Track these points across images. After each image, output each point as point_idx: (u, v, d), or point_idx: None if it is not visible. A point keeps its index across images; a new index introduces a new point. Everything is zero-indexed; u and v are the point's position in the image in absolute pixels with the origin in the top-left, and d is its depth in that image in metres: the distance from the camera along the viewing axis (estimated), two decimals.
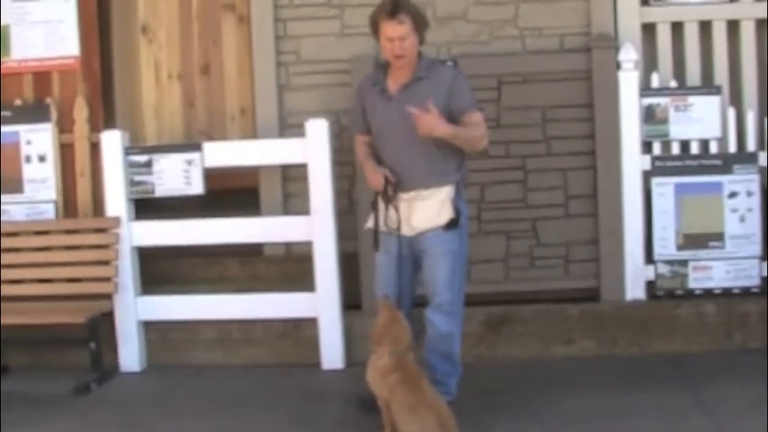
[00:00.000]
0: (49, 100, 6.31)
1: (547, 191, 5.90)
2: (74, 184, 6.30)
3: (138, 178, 5.88)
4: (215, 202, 5.99)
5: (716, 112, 5.86)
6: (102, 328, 5.69)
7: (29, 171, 6.30)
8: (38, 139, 6.28)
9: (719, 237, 5.82)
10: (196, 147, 5.92)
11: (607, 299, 5.83)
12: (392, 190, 4.63)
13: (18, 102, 6.34)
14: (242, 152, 5.92)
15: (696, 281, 5.82)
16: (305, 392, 5.33)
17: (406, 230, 4.66)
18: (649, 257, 5.84)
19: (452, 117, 4.56)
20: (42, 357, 5.94)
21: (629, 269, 5.82)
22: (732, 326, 5.65)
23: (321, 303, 5.69)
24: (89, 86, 6.32)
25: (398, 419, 4.26)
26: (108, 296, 5.80)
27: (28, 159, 6.30)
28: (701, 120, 5.86)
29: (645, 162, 5.84)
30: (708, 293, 5.80)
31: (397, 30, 4.55)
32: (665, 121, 5.87)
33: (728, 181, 5.81)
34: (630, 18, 5.99)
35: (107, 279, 5.79)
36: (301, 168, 5.82)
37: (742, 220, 5.81)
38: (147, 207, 5.98)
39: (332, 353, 5.69)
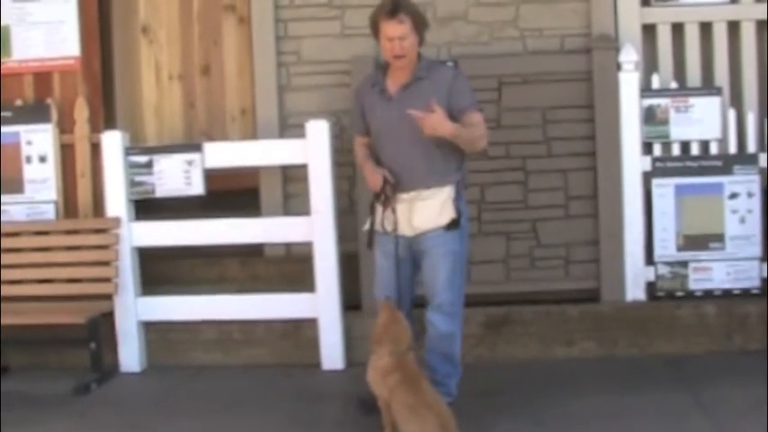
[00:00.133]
0: (49, 100, 6.31)
1: (547, 192, 5.90)
2: (74, 184, 6.31)
3: (138, 179, 5.88)
4: (215, 202, 5.99)
5: (716, 114, 5.86)
6: (102, 329, 5.69)
7: (29, 171, 6.30)
8: (38, 140, 6.29)
9: (720, 238, 5.82)
10: (196, 147, 5.92)
11: (607, 300, 5.83)
12: (391, 190, 4.63)
13: (19, 102, 6.35)
14: (242, 153, 5.92)
15: (696, 282, 5.82)
16: (305, 393, 5.33)
17: (407, 231, 4.65)
18: (650, 258, 5.84)
19: (452, 117, 4.55)
20: (42, 357, 5.94)
21: (629, 270, 5.82)
22: (732, 327, 5.65)
23: (321, 304, 5.69)
24: (90, 87, 6.32)
25: (399, 420, 4.26)
26: (108, 296, 5.80)
27: (28, 160, 6.31)
28: (701, 121, 5.87)
29: (645, 163, 5.84)
30: (708, 294, 5.80)
31: (396, 29, 4.55)
32: (665, 122, 5.87)
33: (729, 182, 5.81)
34: (631, 19, 6.00)
35: (107, 279, 5.79)
36: (302, 169, 5.82)
37: (742, 221, 5.81)
38: (148, 207, 5.98)
39: (332, 353, 5.69)
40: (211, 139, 6.52)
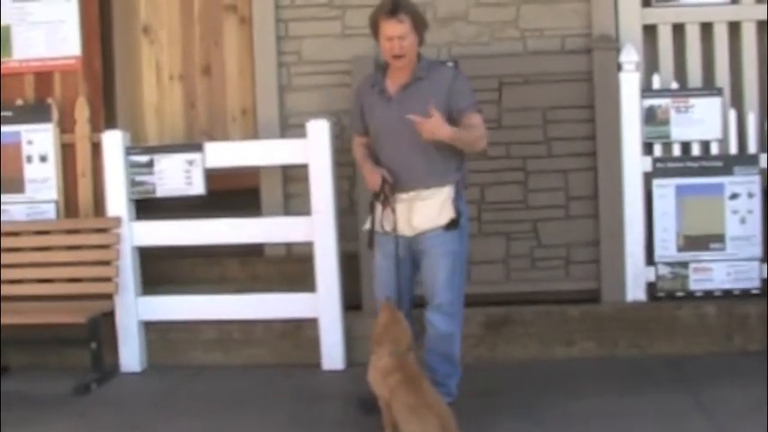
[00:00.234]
0: (50, 100, 6.32)
1: (547, 192, 5.90)
2: (75, 184, 6.31)
3: (139, 178, 5.88)
4: (216, 202, 5.99)
5: (717, 114, 5.86)
6: (102, 329, 5.69)
7: (30, 171, 6.31)
8: (39, 139, 6.29)
9: (720, 238, 5.82)
10: (197, 147, 5.92)
11: (608, 300, 5.83)
12: (389, 190, 4.63)
13: (19, 102, 6.35)
14: (243, 152, 5.92)
15: (697, 282, 5.82)
16: (305, 393, 5.33)
17: (406, 230, 4.65)
18: (650, 259, 5.84)
19: (451, 118, 4.56)
20: (42, 357, 5.95)
21: (629, 270, 5.82)
22: (732, 328, 5.65)
23: (321, 304, 5.69)
24: (90, 86, 6.33)
25: (399, 420, 4.27)
26: (108, 296, 5.80)
27: (29, 159, 6.31)
28: (701, 121, 5.87)
29: (646, 163, 5.84)
30: (708, 295, 5.80)
31: (396, 28, 4.55)
32: (665, 122, 5.87)
33: (729, 182, 5.81)
34: (631, 19, 5.99)
35: (108, 279, 5.80)
36: (302, 169, 5.82)
37: (743, 221, 5.81)
38: (148, 207, 5.98)
39: (332, 353, 5.69)
40: (212, 138, 6.52)
